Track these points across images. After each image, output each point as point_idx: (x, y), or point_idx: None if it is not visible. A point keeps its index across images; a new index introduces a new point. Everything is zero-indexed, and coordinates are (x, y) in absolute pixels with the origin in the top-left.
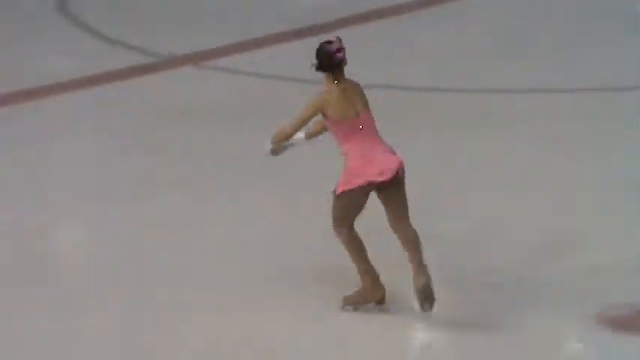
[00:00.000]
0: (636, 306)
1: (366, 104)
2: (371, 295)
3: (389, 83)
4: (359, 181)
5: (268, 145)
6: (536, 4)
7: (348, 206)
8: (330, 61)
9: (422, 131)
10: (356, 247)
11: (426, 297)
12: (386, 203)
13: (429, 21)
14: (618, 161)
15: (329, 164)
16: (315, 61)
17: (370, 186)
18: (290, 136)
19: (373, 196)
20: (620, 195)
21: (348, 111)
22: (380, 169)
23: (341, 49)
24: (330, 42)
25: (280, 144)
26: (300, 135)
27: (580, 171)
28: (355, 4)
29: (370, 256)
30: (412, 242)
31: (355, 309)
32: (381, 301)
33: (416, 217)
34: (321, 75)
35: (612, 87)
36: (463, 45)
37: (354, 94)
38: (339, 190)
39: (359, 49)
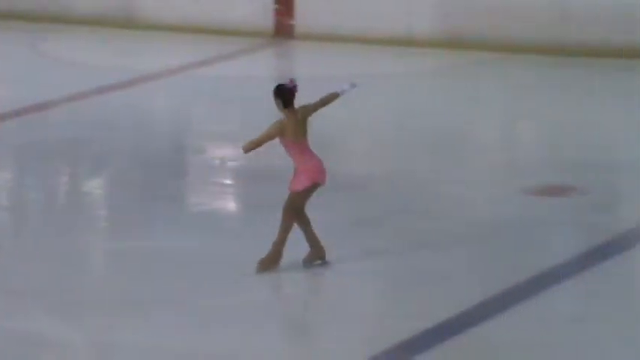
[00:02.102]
0: None
1: (306, 128)
2: (277, 260)
3: None
4: (310, 182)
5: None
6: None
7: (303, 199)
8: (291, 97)
9: None
10: (290, 227)
11: (322, 258)
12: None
13: None
14: None
15: None
16: (277, 100)
17: (315, 185)
18: (259, 145)
19: None
20: None
21: (300, 134)
22: (322, 173)
23: (296, 86)
24: (283, 84)
25: (251, 148)
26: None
27: None
28: None
29: None
30: (309, 222)
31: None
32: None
33: None
34: None
35: None
36: None
37: (302, 122)
38: (300, 188)
39: None
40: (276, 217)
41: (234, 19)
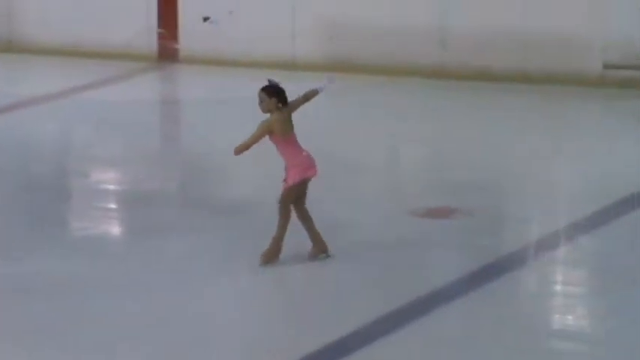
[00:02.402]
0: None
1: (292, 124)
2: (277, 254)
3: None
4: (300, 177)
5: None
6: None
7: (295, 193)
8: (285, 95)
9: None
10: (287, 222)
11: (325, 251)
12: (304, 191)
13: None
14: None
15: None
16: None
17: (307, 179)
18: (249, 147)
19: None
20: None
21: (288, 130)
22: (312, 168)
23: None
24: (271, 85)
25: (242, 150)
26: None
27: None
28: None
29: None
30: (310, 218)
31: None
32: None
33: None
34: None
35: None
36: None
37: (289, 118)
38: (292, 183)
39: None
40: (160, 241)
41: (117, 43)
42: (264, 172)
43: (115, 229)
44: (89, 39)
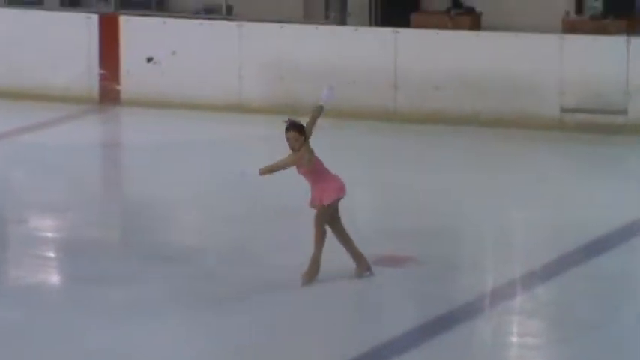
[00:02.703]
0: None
1: (312, 149)
2: (316, 273)
3: None
4: (331, 200)
5: (249, 172)
6: None
7: (330, 212)
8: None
9: None
10: (322, 241)
11: (369, 269)
12: (337, 210)
13: None
14: None
15: None
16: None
17: (340, 198)
18: (273, 171)
19: None
20: None
21: (312, 159)
22: (344, 187)
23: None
24: (294, 122)
25: (267, 173)
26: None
27: None
28: None
29: None
30: (349, 238)
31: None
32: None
33: None
34: None
35: None
36: None
37: (308, 146)
38: (328, 203)
39: None
40: (99, 289)
41: (58, 85)
42: (206, 219)
43: (54, 278)
44: (29, 81)
